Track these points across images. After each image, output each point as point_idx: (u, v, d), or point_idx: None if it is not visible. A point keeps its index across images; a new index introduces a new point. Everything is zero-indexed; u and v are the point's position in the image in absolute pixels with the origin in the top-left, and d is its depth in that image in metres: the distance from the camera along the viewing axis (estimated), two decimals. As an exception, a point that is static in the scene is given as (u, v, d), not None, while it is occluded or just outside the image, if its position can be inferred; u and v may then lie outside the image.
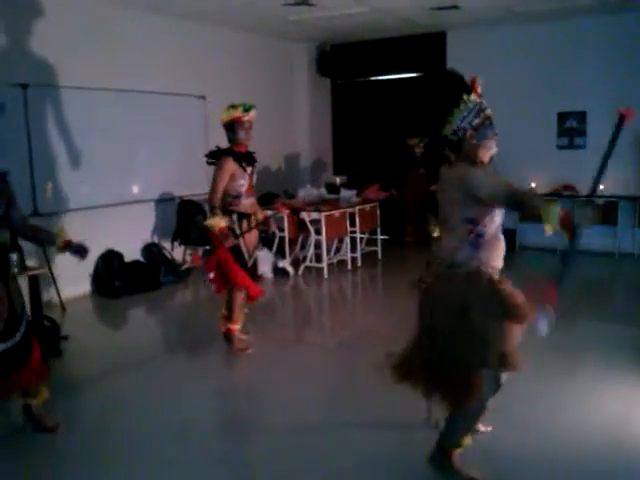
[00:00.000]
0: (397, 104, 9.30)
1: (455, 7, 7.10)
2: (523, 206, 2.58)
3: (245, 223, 4.46)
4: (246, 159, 4.47)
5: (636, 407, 3.59)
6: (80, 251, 3.41)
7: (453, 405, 2.71)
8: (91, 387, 4.14)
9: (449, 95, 2.69)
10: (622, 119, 2.39)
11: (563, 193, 7.68)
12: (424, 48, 8.87)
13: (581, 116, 7.92)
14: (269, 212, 5.20)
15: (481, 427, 3.14)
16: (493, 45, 8.19)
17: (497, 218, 2.66)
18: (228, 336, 4.64)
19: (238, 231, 4.41)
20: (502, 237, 2.72)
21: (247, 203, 4.47)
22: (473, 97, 2.67)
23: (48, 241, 3.47)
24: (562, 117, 7.99)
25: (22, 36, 5.72)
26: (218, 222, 4.27)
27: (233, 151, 4.41)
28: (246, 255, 4.50)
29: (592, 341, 4.70)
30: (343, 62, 9.51)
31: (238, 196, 4.40)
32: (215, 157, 4.44)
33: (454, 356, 2.62)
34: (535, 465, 2.98)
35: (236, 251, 4.42)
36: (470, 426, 2.82)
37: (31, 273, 4.23)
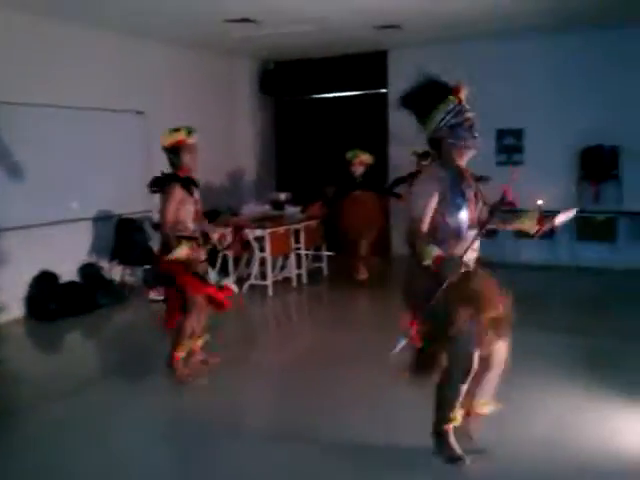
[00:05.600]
0: (340, 122, 9.34)
1: (396, 26, 7.20)
2: (414, 245, 2.77)
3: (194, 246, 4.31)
4: (192, 184, 4.33)
5: (574, 411, 3.66)
6: None
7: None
8: (22, 416, 3.90)
9: (432, 95, 2.84)
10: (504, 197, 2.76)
11: (502, 208, 7.82)
12: (367, 66, 8.98)
13: (518, 133, 8.14)
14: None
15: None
16: (433, 63, 8.07)
17: (452, 218, 2.84)
18: (171, 364, 4.38)
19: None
20: (467, 233, 2.88)
21: (193, 228, 4.32)
22: (454, 99, 2.81)
23: None
24: (500, 134, 8.19)
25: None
26: (184, 251, 4.13)
27: (179, 177, 4.25)
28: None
29: (536, 350, 4.76)
30: (287, 80, 9.50)
31: (186, 222, 4.25)
32: (160, 184, 4.26)
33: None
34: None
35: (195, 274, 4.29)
36: (451, 402, 2.96)
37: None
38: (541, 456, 3.15)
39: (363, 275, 7.49)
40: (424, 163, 7.15)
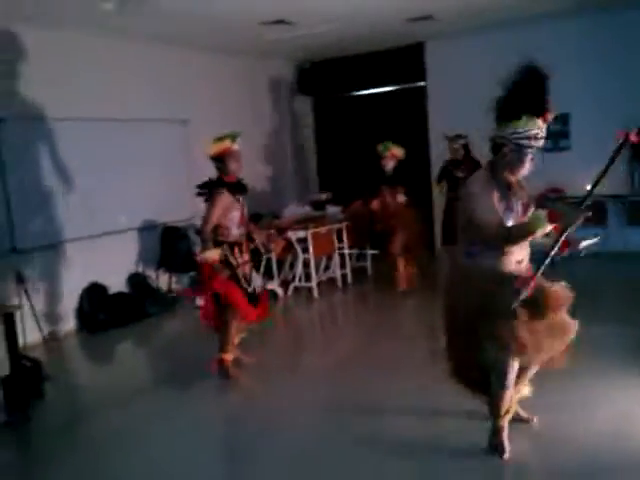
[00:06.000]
0: (379, 118, 9.22)
1: (429, 17, 7.05)
2: (510, 238, 2.77)
3: (237, 251, 4.39)
4: (238, 189, 4.41)
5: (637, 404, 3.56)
6: None
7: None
8: (75, 430, 3.96)
9: (524, 105, 2.79)
10: (626, 140, 2.61)
11: (550, 196, 7.59)
12: (404, 60, 8.83)
13: (564, 118, 7.88)
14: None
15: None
16: (472, 52, 8.13)
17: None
18: (221, 367, 4.48)
19: (234, 261, 4.36)
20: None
21: (237, 233, 4.41)
22: (537, 123, 2.77)
23: None
24: (544, 120, 7.92)
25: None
26: (213, 255, 4.22)
27: (226, 182, 4.32)
28: (243, 281, 4.43)
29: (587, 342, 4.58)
30: (323, 79, 9.47)
31: (229, 228, 4.33)
32: (207, 189, 4.34)
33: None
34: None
35: (234, 279, 4.36)
36: (497, 401, 3.00)
37: (6, 312, 4.05)
38: (605, 447, 3.09)
39: (403, 285, 6.91)
40: (455, 146, 6.98)
